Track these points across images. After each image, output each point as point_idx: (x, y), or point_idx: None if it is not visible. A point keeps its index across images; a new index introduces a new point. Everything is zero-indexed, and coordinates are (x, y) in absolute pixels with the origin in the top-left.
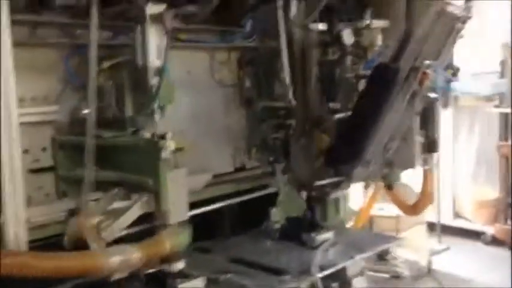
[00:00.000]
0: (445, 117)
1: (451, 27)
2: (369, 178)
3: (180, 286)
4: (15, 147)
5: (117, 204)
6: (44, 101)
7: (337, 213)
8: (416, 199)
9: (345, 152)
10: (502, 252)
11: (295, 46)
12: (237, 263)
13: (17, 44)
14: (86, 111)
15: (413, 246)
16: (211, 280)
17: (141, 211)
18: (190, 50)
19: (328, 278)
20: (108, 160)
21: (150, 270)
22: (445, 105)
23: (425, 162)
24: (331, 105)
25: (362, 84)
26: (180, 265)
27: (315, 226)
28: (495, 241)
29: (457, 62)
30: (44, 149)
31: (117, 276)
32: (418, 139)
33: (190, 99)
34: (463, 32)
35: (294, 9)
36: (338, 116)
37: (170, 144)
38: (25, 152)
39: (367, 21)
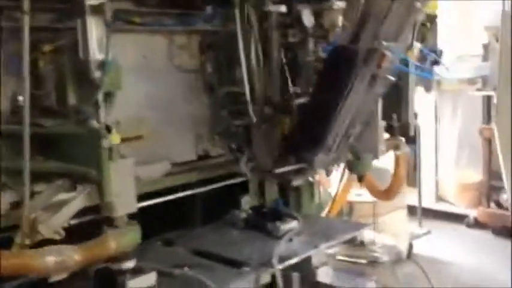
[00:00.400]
0: (428, 101)
1: (410, 6)
2: (331, 165)
3: (130, 283)
4: None
5: (62, 196)
6: None
7: (312, 199)
8: (389, 184)
9: (305, 138)
10: (485, 235)
11: (253, 29)
12: (199, 255)
13: None
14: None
15: (392, 231)
16: (165, 274)
17: (83, 203)
18: (146, 33)
19: (291, 268)
20: (52, 150)
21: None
22: (428, 89)
23: (396, 146)
24: (292, 89)
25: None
26: (129, 264)
27: (280, 215)
28: (478, 224)
29: (440, 45)
30: None
31: (55, 278)
32: (382, 124)
33: (148, 85)
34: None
35: None
36: (299, 100)
37: (114, 133)
38: None
39: (328, 2)
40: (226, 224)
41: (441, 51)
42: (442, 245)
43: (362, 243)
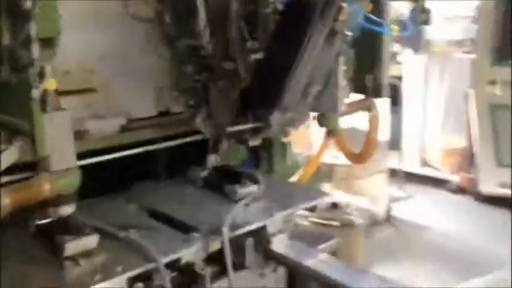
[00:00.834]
0: (417, 63)
1: None
2: (288, 125)
3: (67, 244)
4: None
5: None
6: None
7: (284, 161)
8: (362, 147)
9: (260, 95)
10: (466, 201)
11: None
12: (151, 215)
13: None
14: None
15: (371, 194)
16: (110, 236)
17: (14, 157)
18: None
19: (245, 234)
20: None
21: (40, 222)
22: (416, 50)
23: (369, 108)
24: (250, 44)
25: None
26: (67, 210)
27: (240, 177)
28: (460, 190)
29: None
30: None
31: None
32: (343, 83)
33: (100, 34)
34: None
35: None
36: (255, 56)
37: (49, 80)
38: None
39: None
40: (186, 181)
41: (429, 11)
42: (423, 209)
43: (336, 206)
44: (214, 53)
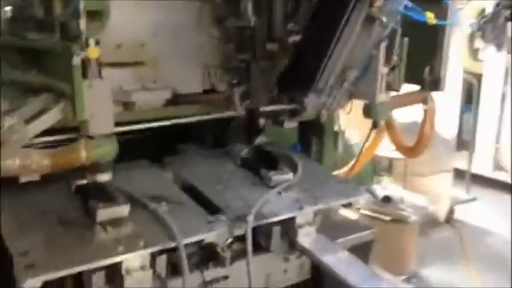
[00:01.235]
0: (498, 60)
1: None
2: (323, 108)
3: (100, 211)
4: None
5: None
6: None
7: (335, 149)
8: (415, 141)
9: (297, 77)
10: None
11: None
12: (183, 187)
13: None
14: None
15: (433, 193)
16: (141, 205)
17: (56, 118)
18: None
19: (272, 222)
20: (39, 64)
21: (79, 183)
22: (500, 47)
23: (424, 100)
24: (290, 26)
25: None
26: (103, 177)
27: (278, 163)
28: None
29: None
30: None
31: (26, 179)
32: (383, 70)
33: (153, 10)
34: None
35: None
36: (294, 38)
37: (92, 50)
38: None
39: None
40: (226, 157)
41: None
42: (488, 214)
43: (388, 200)
44: (259, 33)
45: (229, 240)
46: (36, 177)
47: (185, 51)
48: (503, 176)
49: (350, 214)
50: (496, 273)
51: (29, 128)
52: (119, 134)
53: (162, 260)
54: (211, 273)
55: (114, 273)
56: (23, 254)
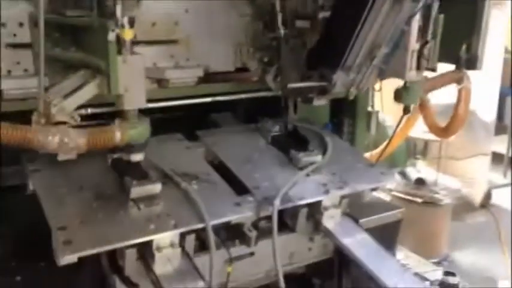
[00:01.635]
0: None
1: None
2: (352, 86)
3: (133, 188)
4: None
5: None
6: None
7: (368, 130)
8: (448, 121)
9: (326, 54)
10: None
11: None
12: (214, 164)
13: None
14: None
15: (468, 176)
16: (171, 182)
17: (93, 92)
18: None
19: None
20: (77, 40)
21: (115, 156)
22: None
23: (459, 80)
24: (321, 1)
25: None
26: (137, 157)
27: (307, 144)
28: None
29: None
30: (21, 25)
31: (64, 157)
32: (414, 47)
33: None
34: None
35: None
36: (324, 14)
37: (126, 28)
38: (3, 25)
39: None
40: (258, 132)
41: None
42: None
43: (422, 182)
44: (290, 10)
45: (253, 221)
46: (73, 155)
47: (217, 30)
48: None
49: (381, 195)
50: None
51: (67, 102)
52: (153, 112)
53: (190, 238)
54: (237, 250)
55: (145, 250)
56: (61, 229)
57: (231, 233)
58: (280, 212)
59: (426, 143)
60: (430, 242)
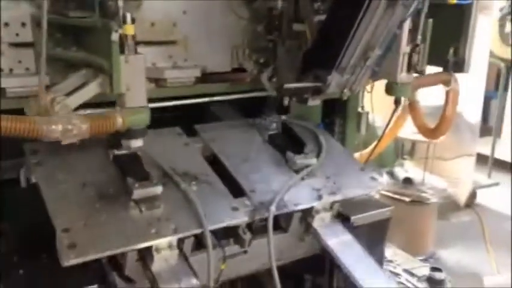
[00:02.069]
0: None
1: None
2: (346, 87)
3: (135, 191)
4: None
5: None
6: None
7: (358, 130)
8: (437, 122)
9: (320, 55)
10: None
11: None
12: (212, 162)
13: None
14: None
15: (454, 177)
16: (171, 181)
17: (95, 91)
18: None
19: None
20: (79, 40)
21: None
22: None
23: (446, 82)
24: (316, 5)
25: None
26: (137, 143)
27: (302, 145)
28: None
29: None
30: (23, 24)
31: (67, 141)
32: (406, 50)
33: None
34: None
35: None
36: (319, 17)
37: (128, 27)
38: (6, 25)
39: None
40: (254, 129)
41: None
42: (509, 199)
43: (409, 181)
44: (286, 13)
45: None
46: (74, 140)
47: (214, 31)
48: None
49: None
50: None
51: (69, 100)
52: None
53: (188, 241)
54: (231, 248)
55: (145, 251)
56: (65, 231)
57: (226, 232)
58: (275, 215)
59: (414, 143)
60: (417, 240)
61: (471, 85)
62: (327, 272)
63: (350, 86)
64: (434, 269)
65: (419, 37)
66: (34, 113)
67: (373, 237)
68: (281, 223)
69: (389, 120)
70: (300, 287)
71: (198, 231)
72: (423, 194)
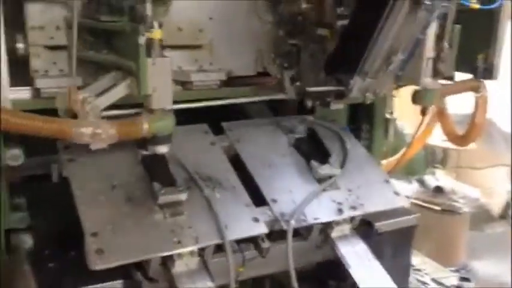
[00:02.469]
0: None
1: None
2: (368, 91)
3: (161, 197)
4: None
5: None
6: None
7: (385, 137)
8: (466, 129)
9: (343, 59)
10: None
11: None
12: (236, 166)
13: None
14: None
15: (487, 187)
16: (195, 186)
17: (123, 92)
18: None
19: None
20: (110, 44)
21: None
22: None
23: (476, 88)
24: (339, 10)
25: None
26: (163, 149)
27: (327, 154)
28: None
29: None
30: (57, 28)
31: (96, 146)
32: (429, 55)
33: None
34: None
35: None
36: (342, 22)
37: (156, 31)
38: (41, 28)
39: None
40: (280, 130)
41: None
42: None
43: (440, 190)
44: (310, 18)
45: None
46: (104, 145)
47: (239, 36)
48: None
49: None
50: None
51: (99, 101)
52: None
53: (209, 249)
54: (250, 253)
55: (168, 257)
56: (93, 235)
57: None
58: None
59: (446, 152)
60: (448, 250)
61: (502, 92)
62: (350, 278)
63: (373, 90)
64: (463, 279)
65: (445, 43)
66: (64, 112)
67: (398, 245)
68: (300, 231)
69: (418, 127)
70: None
71: (218, 241)
72: (455, 203)
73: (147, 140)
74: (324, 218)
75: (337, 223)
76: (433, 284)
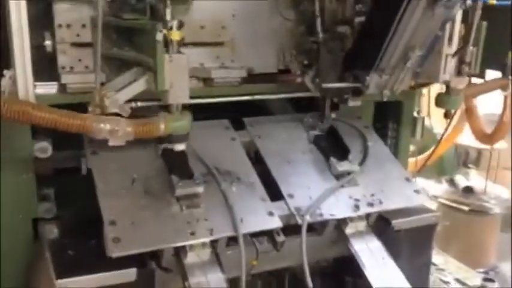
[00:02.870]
0: None
1: None
2: (385, 88)
3: (178, 190)
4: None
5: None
6: None
7: (413, 135)
8: (494, 128)
9: (360, 56)
10: None
11: None
12: (254, 160)
13: None
14: None
15: None
16: (213, 179)
17: (142, 87)
18: None
19: None
20: (132, 41)
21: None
22: None
23: (503, 87)
24: (358, 7)
25: None
26: (179, 147)
27: (346, 151)
28: None
29: None
30: (83, 26)
31: (113, 143)
32: (448, 51)
33: None
34: None
35: None
36: (360, 18)
37: (175, 31)
38: (68, 26)
39: None
40: (301, 126)
41: None
42: None
43: (470, 190)
44: (329, 15)
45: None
46: (122, 142)
47: (261, 34)
48: None
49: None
50: None
51: (118, 95)
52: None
53: (222, 241)
54: (264, 246)
55: (181, 248)
56: (111, 224)
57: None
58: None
59: (480, 152)
60: (476, 251)
61: None
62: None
63: (390, 86)
64: (486, 280)
65: (471, 40)
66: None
67: (417, 243)
68: (315, 226)
69: (448, 126)
70: None
71: (232, 234)
72: (485, 204)
73: (164, 138)
74: (340, 214)
75: (352, 219)
76: (456, 284)
